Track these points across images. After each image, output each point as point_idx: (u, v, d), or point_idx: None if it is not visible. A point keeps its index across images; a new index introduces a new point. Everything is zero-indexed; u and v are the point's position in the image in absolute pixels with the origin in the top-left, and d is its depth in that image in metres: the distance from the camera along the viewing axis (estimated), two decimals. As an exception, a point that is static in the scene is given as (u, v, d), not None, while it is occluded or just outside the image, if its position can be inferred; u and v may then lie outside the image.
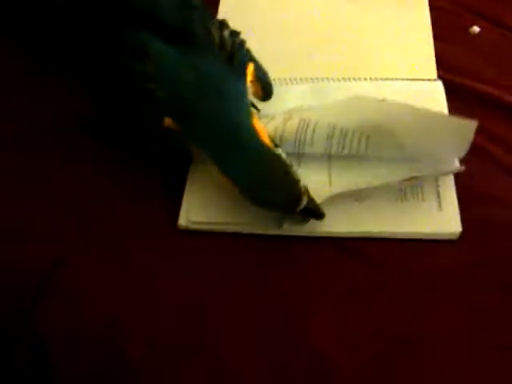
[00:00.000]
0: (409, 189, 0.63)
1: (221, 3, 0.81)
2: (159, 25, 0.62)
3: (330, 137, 0.62)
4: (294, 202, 0.58)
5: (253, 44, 0.68)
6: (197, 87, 0.60)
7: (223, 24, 0.65)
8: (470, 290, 0.59)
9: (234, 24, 0.68)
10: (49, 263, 0.60)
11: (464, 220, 0.62)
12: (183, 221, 0.61)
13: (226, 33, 0.64)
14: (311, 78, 0.73)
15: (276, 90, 0.69)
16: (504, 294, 0.59)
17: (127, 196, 0.65)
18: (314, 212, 0.59)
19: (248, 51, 0.66)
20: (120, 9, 0.63)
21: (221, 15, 0.78)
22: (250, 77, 0.64)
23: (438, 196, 0.62)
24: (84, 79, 0.69)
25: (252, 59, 0.66)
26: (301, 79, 0.73)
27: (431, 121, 0.62)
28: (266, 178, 0.58)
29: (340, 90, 0.71)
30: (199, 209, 0.62)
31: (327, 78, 0.73)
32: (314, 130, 0.62)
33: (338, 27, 0.79)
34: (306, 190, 0.58)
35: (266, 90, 0.68)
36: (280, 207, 0.59)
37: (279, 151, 0.59)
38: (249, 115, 0.61)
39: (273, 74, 0.70)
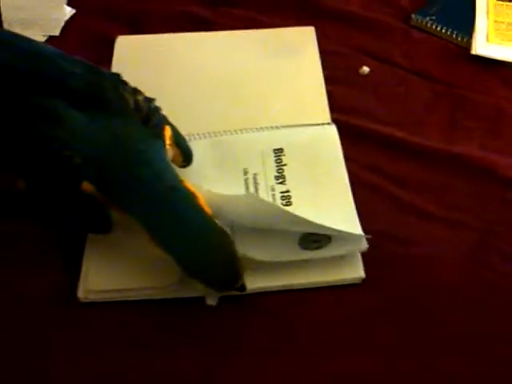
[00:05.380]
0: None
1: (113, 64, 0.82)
2: (70, 92, 0.60)
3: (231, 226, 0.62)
4: (234, 281, 0.56)
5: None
6: (113, 148, 0.57)
7: (136, 90, 0.64)
8: (375, 335, 0.59)
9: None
10: None
11: (368, 262, 0.62)
12: (82, 292, 0.60)
13: (141, 98, 0.63)
14: (209, 133, 0.73)
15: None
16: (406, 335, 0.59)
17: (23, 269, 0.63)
18: (243, 287, 0.58)
19: (164, 117, 0.65)
20: (29, 77, 0.60)
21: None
22: (168, 140, 0.63)
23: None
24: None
25: (169, 123, 0.65)
26: (198, 134, 0.73)
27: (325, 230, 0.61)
28: (208, 253, 0.56)
29: (239, 143, 0.72)
30: (98, 277, 0.60)
31: (225, 131, 0.73)
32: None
33: (232, 78, 0.80)
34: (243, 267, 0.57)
35: (186, 155, 0.66)
36: (218, 285, 0.57)
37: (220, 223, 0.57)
38: (178, 177, 0.59)
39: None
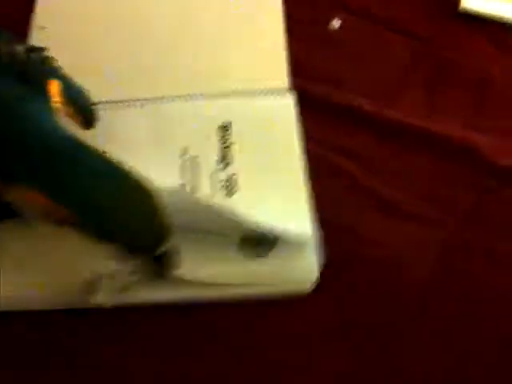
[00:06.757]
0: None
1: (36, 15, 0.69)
2: None
3: None
4: (160, 238, 0.46)
5: (74, 60, 0.57)
6: None
7: (14, 39, 0.53)
8: (326, 355, 0.51)
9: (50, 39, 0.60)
10: None
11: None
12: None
13: (20, 48, 0.52)
14: (142, 99, 0.62)
15: (104, 116, 0.58)
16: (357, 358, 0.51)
17: None
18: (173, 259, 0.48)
19: (56, 69, 0.54)
20: None
21: (36, 27, 0.67)
22: (56, 97, 0.53)
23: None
24: None
25: (60, 77, 0.54)
26: (129, 101, 0.62)
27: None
28: (124, 201, 0.46)
29: (179, 114, 0.61)
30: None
31: (162, 98, 0.62)
32: None
33: (175, 31, 0.67)
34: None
35: (83, 114, 0.56)
36: (140, 240, 0.47)
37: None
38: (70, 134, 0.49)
39: (99, 95, 0.58)
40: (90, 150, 0.47)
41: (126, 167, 0.46)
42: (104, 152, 0.48)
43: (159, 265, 0.48)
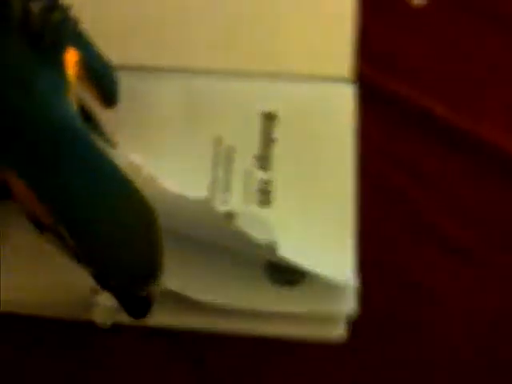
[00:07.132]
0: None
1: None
2: None
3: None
4: (149, 274, 0.36)
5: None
6: None
7: None
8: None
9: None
10: None
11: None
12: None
13: (37, 5, 0.42)
14: (182, 69, 0.53)
15: (127, 85, 0.48)
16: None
17: None
18: (149, 305, 0.38)
19: (80, 34, 0.45)
20: None
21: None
22: (72, 68, 0.43)
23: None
24: None
25: (83, 45, 0.45)
26: (166, 68, 0.53)
27: None
28: (119, 219, 0.37)
29: (218, 94, 0.51)
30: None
31: (204, 70, 0.52)
32: None
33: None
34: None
35: (105, 92, 0.47)
36: (124, 272, 0.37)
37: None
38: (79, 120, 0.40)
39: (124, 58, 0.50)
40: (98, 148, 0.38)
41: (136, 186, 0.37)
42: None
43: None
